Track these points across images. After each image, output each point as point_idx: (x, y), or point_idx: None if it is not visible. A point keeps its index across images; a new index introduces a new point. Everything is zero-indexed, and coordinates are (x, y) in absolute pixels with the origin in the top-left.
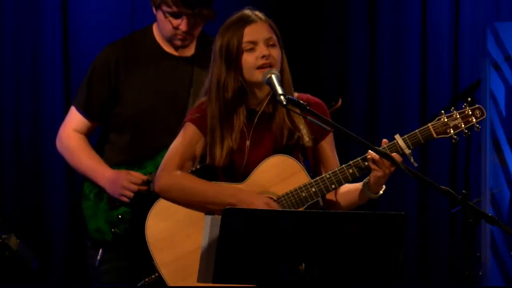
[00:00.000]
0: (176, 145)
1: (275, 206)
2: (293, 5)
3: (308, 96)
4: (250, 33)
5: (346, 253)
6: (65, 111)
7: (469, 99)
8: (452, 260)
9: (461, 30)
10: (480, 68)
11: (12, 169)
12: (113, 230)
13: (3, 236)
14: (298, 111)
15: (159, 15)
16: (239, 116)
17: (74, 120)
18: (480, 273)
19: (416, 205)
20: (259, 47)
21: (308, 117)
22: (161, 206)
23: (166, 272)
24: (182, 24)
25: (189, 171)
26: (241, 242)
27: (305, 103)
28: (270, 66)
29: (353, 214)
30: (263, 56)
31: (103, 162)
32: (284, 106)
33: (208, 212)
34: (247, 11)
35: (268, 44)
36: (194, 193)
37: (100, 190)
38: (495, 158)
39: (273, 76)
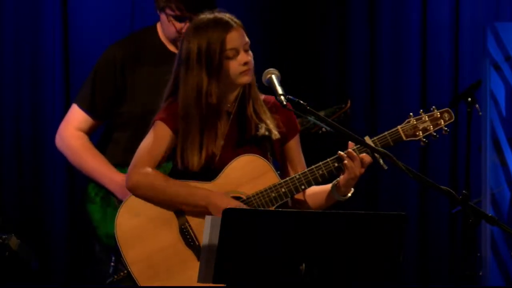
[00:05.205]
0: (148, 143)
1: None
2: (293, 5)
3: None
4: (232, 40)
5: (346, 253)
6: (65, 111)
7: (469, 99)
8: (452, 260)
9: (461, 30)
10: (480, 68)
11: (12, 169)
12: None
13: (3, 236)
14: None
15: (163, 17)
16: (222, 120)
17: (77, 119)
18: (480, 273)
19: (416, 205)
20: (240, 54)
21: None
22: (131, 203)
23: (136, 270)
24: (185, 27)
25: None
26: (241, 242)
27: (305, 103)
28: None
29: (353, 214)
30: (245, 63)
31: (110, 165)
32: (284, 106)
33: (177, 210)
34: (223, 16)
35: (245, 49)
36: (165, 192)
37: (106, 194)
38: (495, 158)
39: (273, 76)
